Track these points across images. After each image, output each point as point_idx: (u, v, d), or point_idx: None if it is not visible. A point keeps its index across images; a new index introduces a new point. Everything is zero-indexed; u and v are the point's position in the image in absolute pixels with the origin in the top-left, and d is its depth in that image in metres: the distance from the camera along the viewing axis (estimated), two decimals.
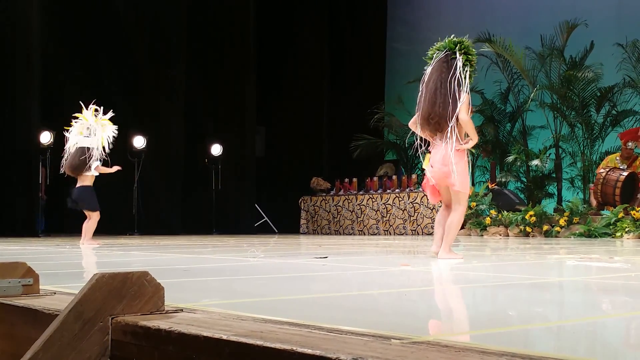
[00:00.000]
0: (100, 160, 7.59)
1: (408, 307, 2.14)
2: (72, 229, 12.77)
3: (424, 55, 4.69)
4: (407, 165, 14.37)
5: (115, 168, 7.83)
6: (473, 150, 10.70)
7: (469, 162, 4.60)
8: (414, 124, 4.60)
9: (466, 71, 4.39)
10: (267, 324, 1.52)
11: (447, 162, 4.39)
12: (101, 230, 9.59)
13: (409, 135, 4.77)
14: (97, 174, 7.61)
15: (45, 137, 11.40)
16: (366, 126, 14.21)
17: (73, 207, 7.71)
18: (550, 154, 11.93)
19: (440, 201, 4.73)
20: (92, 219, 7.65)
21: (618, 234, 9.26)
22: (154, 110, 12.77)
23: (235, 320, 1.59)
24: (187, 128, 13.36)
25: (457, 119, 4.33)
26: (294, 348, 1.23)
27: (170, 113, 13.04)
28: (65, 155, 7.62)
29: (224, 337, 1.35)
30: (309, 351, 1.21)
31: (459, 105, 4.31)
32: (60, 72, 13.03)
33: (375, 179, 13.43)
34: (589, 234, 9.52)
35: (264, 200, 14.74)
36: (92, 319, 1.58)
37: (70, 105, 12.98)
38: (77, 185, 7.65)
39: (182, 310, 1.73)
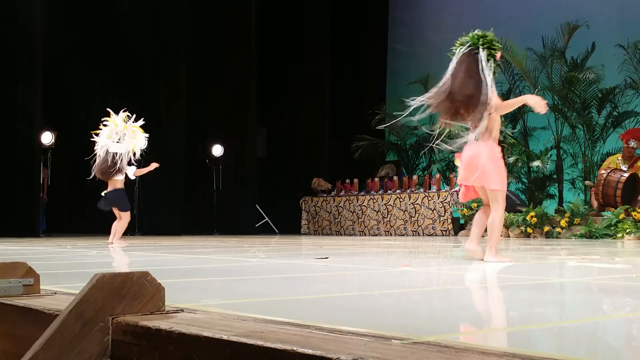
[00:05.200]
0: (133, 164, 7.71)
1: (409, 308, 2.14)
2: (73, 230, 12.80)
3: (449, 52, 4.49)
4: (408, 166, 14.37)
5: (154, 165, 7.97)
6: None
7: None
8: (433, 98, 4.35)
9: (490, 66, 4.26)
10: (267, 324, 1.51)
11: (478, 159, 4.22)
12: (103, 231, 9.61)
13: (427, 123, 4.60)
14: (134, 177, 7.75)
15: (47, 138, 11.40)
16: (367, 127, 14.21)
17: (104, 208, 7.80)
18: (551, 155, 11.92)
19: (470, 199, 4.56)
20: (123, 220, 7.78)
21: (619, 235, 9.25)
22: (155, 111, 12.77)
23: (236, 320, 1.59)
24: (189, 128, 13.37)
25: (483, 110, 4.19)
26: (295, 348, 1.23)
27: (171, 113, 13.04)
28: (96, 159, 7.63)
29: (225, 338, 1.35)
30: (310, 351, 1.21)
31: (488, 99, 4.17)
32: (62, 72, 13.05)
33: (376, 179, 13.43)
34: (590, 235, 9.52)
35: (265, 201, 14.75)
36: (93, 319, 1.58)
37: (72, 106, 13.08)
38: (109, 189, 7.74)
39: (182, 310, 1.73)
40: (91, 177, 7.69)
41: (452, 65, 4.34)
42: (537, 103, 4.41)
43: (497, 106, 4.31)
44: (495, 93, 4.28)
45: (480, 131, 4.22)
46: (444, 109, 4.29)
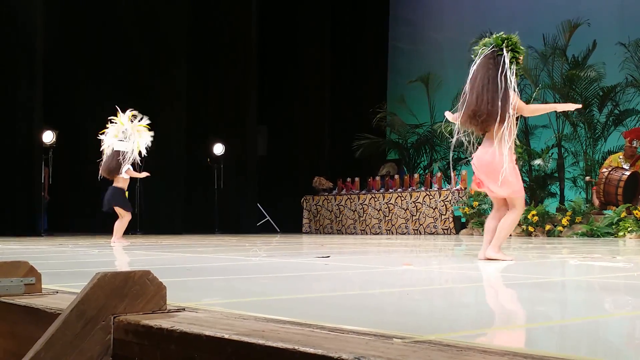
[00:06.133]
0: (132, 165, 7.76)
1: (410, 307, 2.14)
2: (75, 229, 12.80)
3: (474, 51, 4.42)
4: (409, 164, 14.36)
5: (144, 174, 8.04)
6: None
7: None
8: (456, 120, 4.40)
9: (512, 69, 4.22)
10: (269, 323, 1.51)
11: (495, 165, 4.16)
12: (104, 230, 9.61)
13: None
14: (128, 177, 7.79)
15: (48, 137, 11.41)
16: (368, 125, 14.21)
17: (107, 209, 7.87)
18: (552, 154, 11.92)
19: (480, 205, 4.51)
20: (124, 219, 7.83)
21: (620, 233, 9.25)
22: (156, 110, 12.76)
23: (237, 319, 1.59)
24: (189, 127, 13.36)
25: (505, 118, 4.15)
26: (296, 347, 1.23)
27: (172, 112, 13.03)
28: (103, 158, 7.76)
29: (226, 336, 1.35)
30: (311, 350, 1.21)
31: (509, 104, 4.14)
32: (62, 72, 13.05)
33: (377, 178, 13.43)
34: (592, 234, 9.51)
35: (266, 200, 14.74)
36: (94, 318, 1.58)
37: (73, 105, 13.08)
38: (112, 185, 7.84)
39: (184, 309, 1.73)
40: (100, 177, 7.78)
41: (472, 70, 4.30)
42: (568, 107, 4.47)
43: (520, 108, 4.30)
44: (517, 96, 4.25)
45: (500, 135, 4.18)
46: (472, 127, 4.30)
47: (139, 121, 7.77)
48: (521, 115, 4.46)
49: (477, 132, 4.35)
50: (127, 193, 8.01)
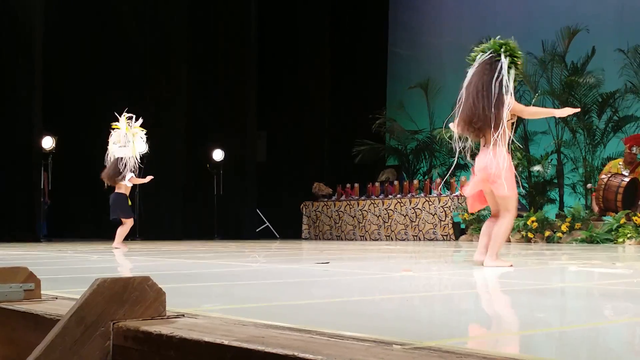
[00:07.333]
0: (134, 171, 7.73)
1: (410, 313, 2.14)
2: (74, 234, 12.79)
3: (470, 57, 4.41)
4: (408, 170, 14.36)
5: (149, 178, 8.05)
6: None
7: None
8: (455, 127, 4.41)
9: (510, 74, 4.21)
10: (268, 329, 1.51)
11: (492, 166, 4.17)
12: (103, 236, 9.61)
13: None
14: (131, 185, 7.80)
15: (47, 142, 11.42)
16: (368, 131, 14.22)
17: (113, 218, 7.88)
18: (551, 160, 11.92)
19: (480, 210, 4.54)
20: (126, 225, 7.86)
21: (620, 239, 9.24)
22: (155, 116, 12.79)
23: (237, 325, 1.58)
24: (189, 133, 13.37)
25: (499, 124, 4.14)
26: (296, 353, 1.23)
27: (172, 118, 13.05)
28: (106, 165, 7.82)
29: (226, 343, 1.35)
30: (311, 356, 1.21)
31: (504, 109, 4.13)
32: (62, 77, 13.07)
33: (376, 184, 13.43)
34: (591, 240, 9.51)
35: (265, 206, 14.74)
36: (94, 324, 1.58)
37: (73, 111, 13.09)
38: (114, 192, 7.88)
39: (183, 315, 1.73)
40: (106, 186, 7.81)
41: (468, 76, 4.31)
42: (565, 112, 4.58)
43: (520, 110, 4.34)
44: (513, 100, 4.25)
45: (495, 138, 4.18)
46: (468, 133, 4.30)
47: (135, 122, 7.77)
48: (520, 121, 4.49)
49: (474, 139, 4.35)
50: (129, 201, 8.01)
